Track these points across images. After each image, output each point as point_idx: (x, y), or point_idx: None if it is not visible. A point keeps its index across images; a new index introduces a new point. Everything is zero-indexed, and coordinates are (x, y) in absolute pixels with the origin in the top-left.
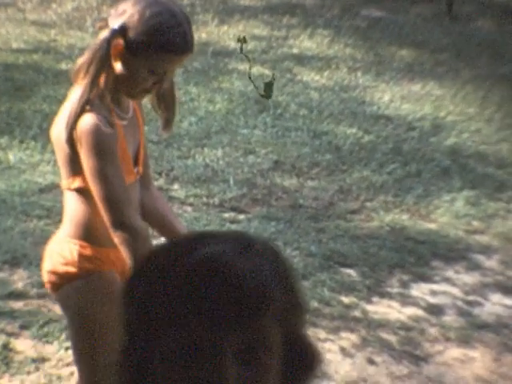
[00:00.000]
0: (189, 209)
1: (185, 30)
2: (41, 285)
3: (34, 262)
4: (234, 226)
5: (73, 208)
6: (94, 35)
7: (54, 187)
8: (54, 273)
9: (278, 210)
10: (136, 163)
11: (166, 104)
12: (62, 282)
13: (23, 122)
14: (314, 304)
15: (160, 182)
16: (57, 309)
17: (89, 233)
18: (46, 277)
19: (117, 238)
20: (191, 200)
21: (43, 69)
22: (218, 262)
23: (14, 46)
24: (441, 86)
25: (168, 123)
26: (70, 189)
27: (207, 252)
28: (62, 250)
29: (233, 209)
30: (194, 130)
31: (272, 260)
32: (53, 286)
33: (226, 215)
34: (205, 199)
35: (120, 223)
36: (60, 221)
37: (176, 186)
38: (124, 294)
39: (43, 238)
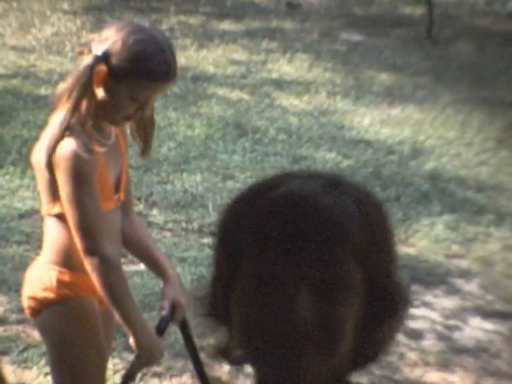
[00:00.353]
0: (168, 234)
1: (168, 58)
2: (20, 310)
3: (14, 288)
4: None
5: (52, 234)
6: (73, 60)
7: (34, 213)
8: (33, 298)
9: None
10: (117, 190)
11: (146, 130)
12: (41, 307)
13: (2, 147)
14: None
15: (139, 207)
16: (36, 334)
17: (68, 259)
18: (25, 302)
19: (88, 265)
20: (170, 225)
21: (22, 94)
22: (299, 196)
23: None
24: (420, 110)
25: (146, 149)
26: (49, 214)
27: (291, 187)
28: (41, 276)
29: (212, 234)
30: (173, 155)
31: (359, 200)
32: (32, 311)
33: (206, 240)
34: (184, 224)
35: (92, 251)
36: (39, 246)
37: (155, 212)
38: (215, 228)
39: (22, 264)
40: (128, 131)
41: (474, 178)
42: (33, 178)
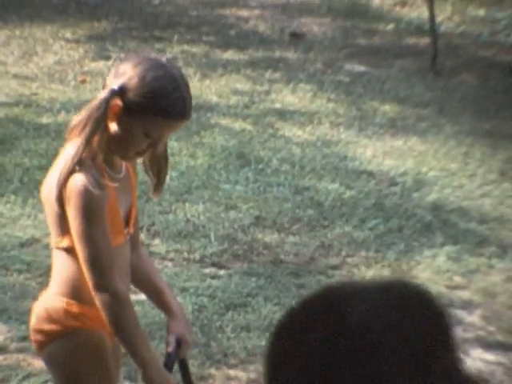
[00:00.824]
0: (169, 264)
1: (184, 96)
2: (20, 339)
3: (14, 316)
4: (214, 282)
5: (61, 266)
6: (75, 89)
7: (35, 241)
8: (40, 331)
9: (259, 266)
10: (127, 224)
11: (159, 166)
12: (48, 340)
13: (4, 175)
14: None
15: (141, 236)
16: (36, 363)
17: (77, 291)
18: (32, 335)
19: (99, 301)
20: (172, 255)
21: (24, 122)
22: (364, 336)
23: None
24: (423, 142)
25: (159, 185)
26: (58, 248)
27: (353, 319)
28: (48, 308)
29: (214, 264)
30: (175, 185)
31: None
32: (39, 344)
33: (207, 270)
34: (186, 254)
35: (103, 287)
36: (40, 275)
37: (157, 241)
38: (266, 348)
39: (23, 293)
40: (137, 164)
41: (476, 210)
42: (34, 206)
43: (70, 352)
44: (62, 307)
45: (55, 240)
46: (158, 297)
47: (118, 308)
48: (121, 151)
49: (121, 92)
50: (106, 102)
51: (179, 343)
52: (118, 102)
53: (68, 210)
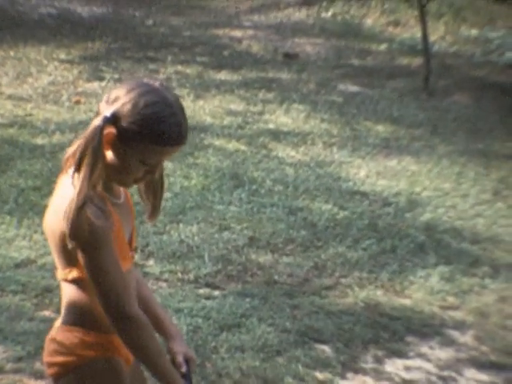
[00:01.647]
0: (164, 285)
1: (179, 121)
2: (16, 359)
3: (10, 337)
4: (208, 302)
5: (71, 297)
6: (69, 110)
7: (30, 262)
8: (54, 364)
9: (253, 287)
10: (130, 247)
11: (155, 191)
12: (64, 371)
13: None
14: (289, 380)
15: (135, 257)
16: (32, 383)
17: (90, 320)
18: (47, 369)
19: (118, 329)
20: (166, 276)
21: (19, 143)
22: None
23: None
24: (417, 162)
25: (155, 210)
26: (66, 280)
27: None
28: (61, 340)
29: (208, 285)
30: (170, 206)
31: None
32: (55, 376)
33: (201, 291)
34: (180, 275)
35: (121, 314)
36: (35, 296)
37: (151, 262)
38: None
39: (18, 313)
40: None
41: (469, 230)
42: (29, 227)
43: (88, 382)
44: (77, 338)
45: (62, 272)
46: (156, 322)
47: (140, 332)
48: (118, 179)
49: (114, 119)
50: (100, 130)
51: (187, 362)
52: (111, 129)
53: (76, 244)
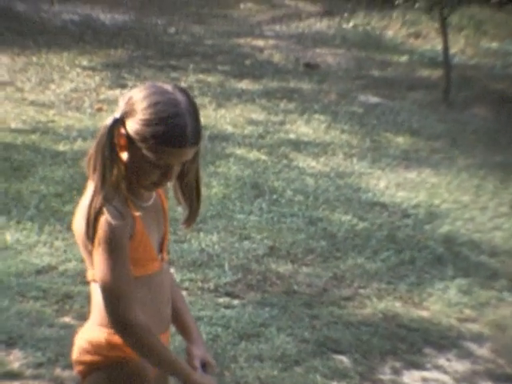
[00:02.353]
0: (184, 293)
1: (184, 122)
2: (36, 365)
3: (30, 343)
4: (228, 311)
5: (99, 298)
6: (91, 117)
7: (51, 269)
8: (81, 362)
9: (273, 296)
10: (160, 250)
11: (189, 197)
12: (91, 369)
13: (20, 202)
14: None
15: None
16: None
17: None
18: (74, 367)
19: (116, 332)
20: (186, 284)
21: (41, 149)
22: None
23: (13, 125)
24: (436, 174)
25: (190, 217)
26: (94, 280)
27: None
28: (90, 339)
29: (227, 294)
30: None
31: None
32: (82, 374)
33: (221, 300)
34: (200, 284)
35: (118, 320)
36: (56, 302)
37: (171, 270)
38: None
39: (39, 320)
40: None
41: (487, 243)
42: (50, 233)
43: (112, 382)
44: (104, 338)
45: (91, 273)
46: (181, 325)
47: (137, 338)
48: (137, 181)
49: (123, 120)
50: (109, 130)
51: (203, 366)
52: (122, 130)
53: (92, 243)
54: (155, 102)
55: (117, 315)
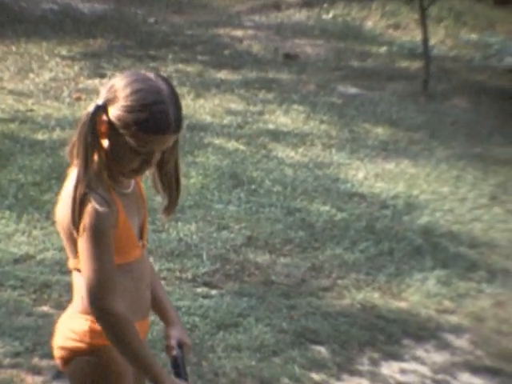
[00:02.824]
0: (162, 283)
1: (166, 109)
2: (14, 355)
3: (8, 332)
4: (206, 301)
5: (82, 286)
6: (70, 106)
7: (29, 258)
8: (64, 348)
9: (251, 286)
10: (141, 237)
11: (168, 185)
12: (72, 356)
13: None
14: (285, 380)
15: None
16: (30, 379)
17: None
18: (56, 352)
19: (95, 319)
20: (164, 274)
21: (20, 138)
22: None
23: None
24: (415, 165)
25: (170, 206)
26: (76, 269)
27: None
28: (72, 326)
29: (205, 284)
30: None
31: None
32: (63, 361)
33: (199, 290)
34: (178, 273)
35: (97, 306)
36: (34, 291)
37: (149, 260)
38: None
39: (17, 309)
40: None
41: (466, 234)
42: (28, 222)
43: (94, 369)
44: (88, 326)
45: (73, 261)
46: (158, 307)
47: (116, 328)
48: (116, 168)
49: (105, 107)
50: (91, 117)
51: (180, 346)
52: (104, 117)
53: (77, 230)
54: (137, 89)
55: (98, 303)
